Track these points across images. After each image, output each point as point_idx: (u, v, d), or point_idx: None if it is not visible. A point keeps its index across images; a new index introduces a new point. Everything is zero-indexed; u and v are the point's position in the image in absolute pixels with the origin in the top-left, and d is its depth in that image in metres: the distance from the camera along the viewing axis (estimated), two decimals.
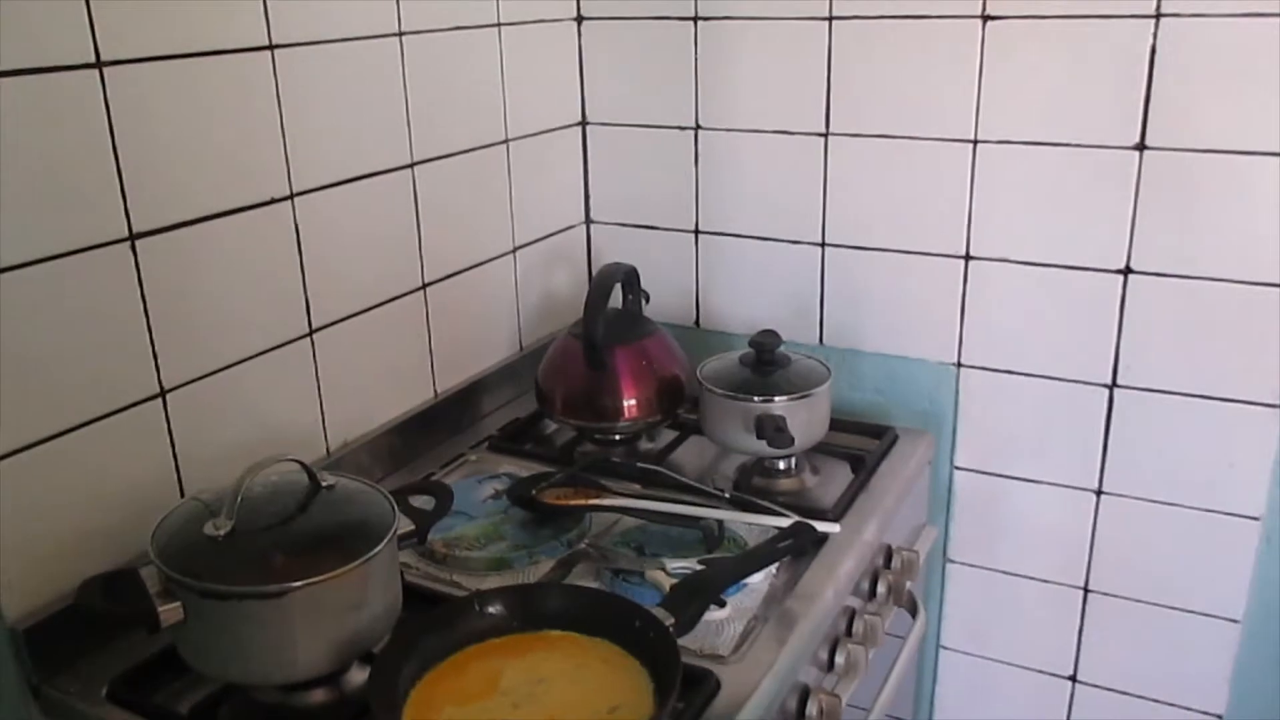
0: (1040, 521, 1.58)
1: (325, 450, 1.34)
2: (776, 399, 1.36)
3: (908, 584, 1.39)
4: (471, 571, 1.21)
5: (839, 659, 1.22)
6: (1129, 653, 1.58)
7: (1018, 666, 1.68)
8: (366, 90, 1.32)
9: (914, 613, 1.41)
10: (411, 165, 1.40)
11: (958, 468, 1.61)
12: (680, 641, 0.98)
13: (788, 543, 1.14)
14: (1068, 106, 1.39)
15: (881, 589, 1.35)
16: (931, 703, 1.76)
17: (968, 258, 1.50)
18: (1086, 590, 1.58)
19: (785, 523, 1.22)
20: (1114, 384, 1.47)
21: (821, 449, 1.44)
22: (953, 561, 1.67)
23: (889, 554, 1.40)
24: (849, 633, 1.27)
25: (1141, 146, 1.36)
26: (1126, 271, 1.41)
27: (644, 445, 1.54)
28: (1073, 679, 1.64)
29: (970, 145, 1.46)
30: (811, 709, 1.13)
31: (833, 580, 1.19)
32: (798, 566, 1.21)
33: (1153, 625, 1.55)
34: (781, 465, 1.43)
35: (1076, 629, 1.61)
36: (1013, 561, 1.63)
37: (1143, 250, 1.40)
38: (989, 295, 1.51)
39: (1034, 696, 1.67)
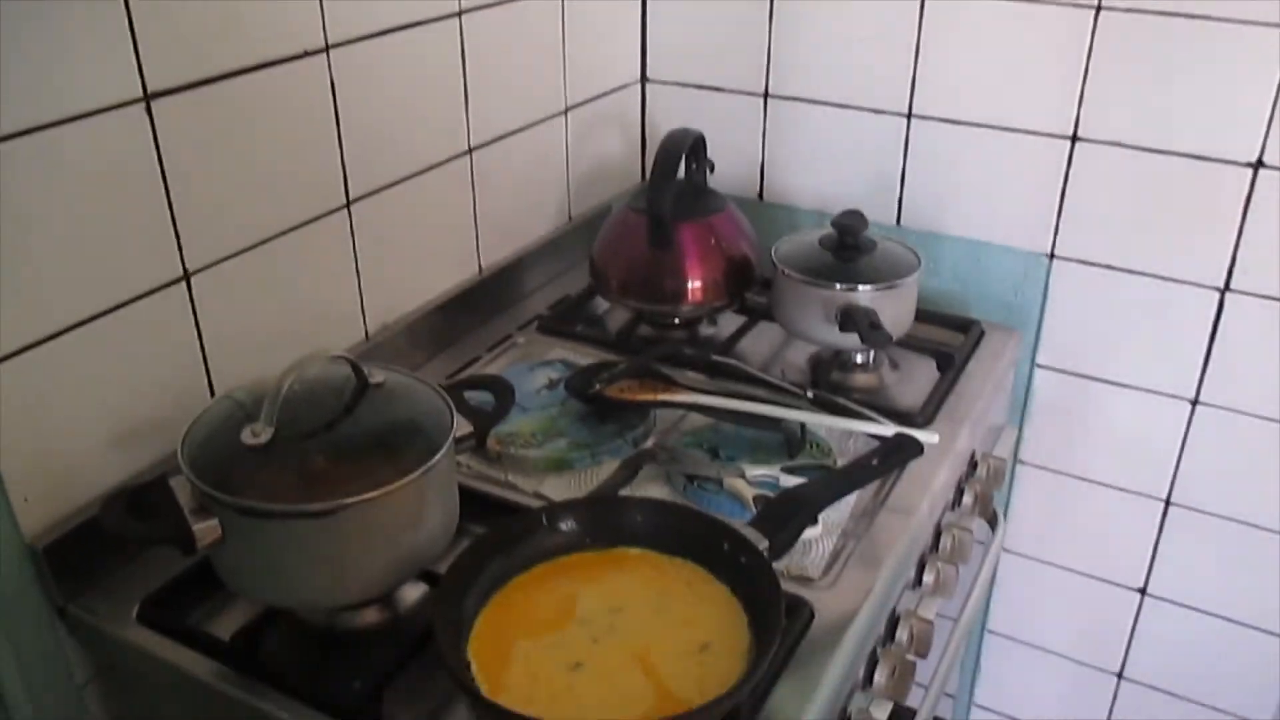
0: (1125, 428, 1.47)
1: (364, 334, 1.22)
2: (861, 288, 1.23)
3: (993, 494, 1.28)
4: (529, 472, 1.11)
5: (927, 577, 1.13)
6: (1206, 570, 1.49)
7: (1084, 575, 1.59)
8: None
9: (994, 524, 1.32)
10: (459, 14, 1.23)
11: (1039, 366, 1.49)
12: None
13: (891, 458, 1.02)
14: None
15: (968, 499, 1.25)
16: (988, 606, 1.68)
17: (1075, 139, 1.34)
18: (1168, 503, 1.48)
19: (881, 431, 1.11)
20: (1227, 288, 1.33)
21: (902, 342, 1.32)
22: (1024, 464, 1.57)
23: (973, 460, 1.29)
24: (935, 548, 1.17)
25: None
26: (1258, 165, 1.25)
27: (705, 330, 1.42)
28: (1142, 591, 1.56)
29: (1092, 11, 1.28)
30: (902, 634, 1.04)
31: (928, 494, 1.09)
32: (888, 476, 1.10)
33: (1237, 544, 1.45)
34: (859, 359, 1.31)
35: (1153, 542, 1.52)
36: (1089, 468, 1.52)
37: None
38: (1095, 182, 1.35)
39: (1098, 605, 1.59)
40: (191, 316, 0.99)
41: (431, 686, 0.85)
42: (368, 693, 0.83)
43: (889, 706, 1.00)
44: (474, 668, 0.80)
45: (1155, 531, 1.51)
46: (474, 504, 1.01)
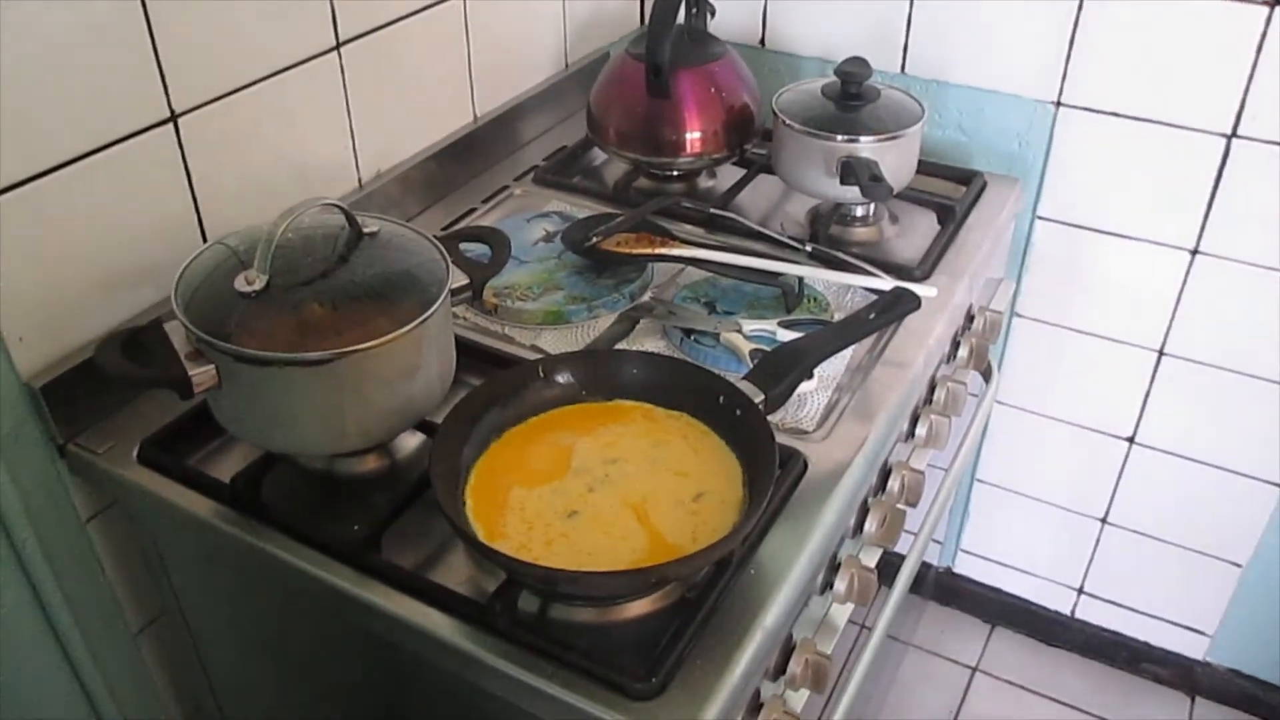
0: (1122, 279, 1.45)
1: (357, 183, 1.19)
2: (863, 139, 1.20)
3: (989, 346, 1.27)
4: (525, 324, 1.10)
5: (920, 430, 1.13)
6: (1194, 419, 1.50)
7: (1074, 425, 1.60)
8: None
9: (988, 376, 1.31)
10: None
11: (1040, 218, 1.47)
12: None
13: (888, 312, 1.01)
14: None
15: (963, 352, 1.24)
16: (978, 456, 1.70)
17: None
18: (1161, 353, 1.48)
19: (879, 285, 1.10)
20: (1234, 134, 1.29)
21: (902, 195, 1.29)
22: (1020, 316, 1.56)
23: (970, 314, 1.28)
24: (929, 400, 1.17)
25: None
26: (1274, 3, 1.20)
27: (704, 183, 1.39)
28: (1131, 440, 1.57)
29: None
30: (894, 484, 1.05)
31: (924, 347, 1.08)
32: (885, 330, 1.09)
33: (1227, 392, 1.45)
34: (859, 212, 1.29)
35: (1143, 392, 1.52)
36: (1084, 320, 1.52)
37: None
38: (1107, 24, 1.29)
39: (1086, 454, 1.61)
40: (180, 159, 0.96)
41: (429, 532, 0.86)
42: (367, 536, 0.84)
43: (878, 553, 1.02)
44: (470, 515, 0.81)
45: (1147, 382, 1.51)
46: (470, 356, 1.00)
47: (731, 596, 0.80)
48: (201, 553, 0.94)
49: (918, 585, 1.64)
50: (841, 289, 1.16)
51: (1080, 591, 1.75)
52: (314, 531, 0.85)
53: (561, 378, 0.91)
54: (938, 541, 1.78)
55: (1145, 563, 1.65)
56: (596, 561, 0.77)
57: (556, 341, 1.07)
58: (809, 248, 1.18)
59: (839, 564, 0.95)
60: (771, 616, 0.79)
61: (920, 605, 1.81)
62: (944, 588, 1.86)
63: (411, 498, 0.87)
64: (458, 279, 0.91)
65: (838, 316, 1.10)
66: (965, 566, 1.83)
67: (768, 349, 1.00)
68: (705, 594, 0.79)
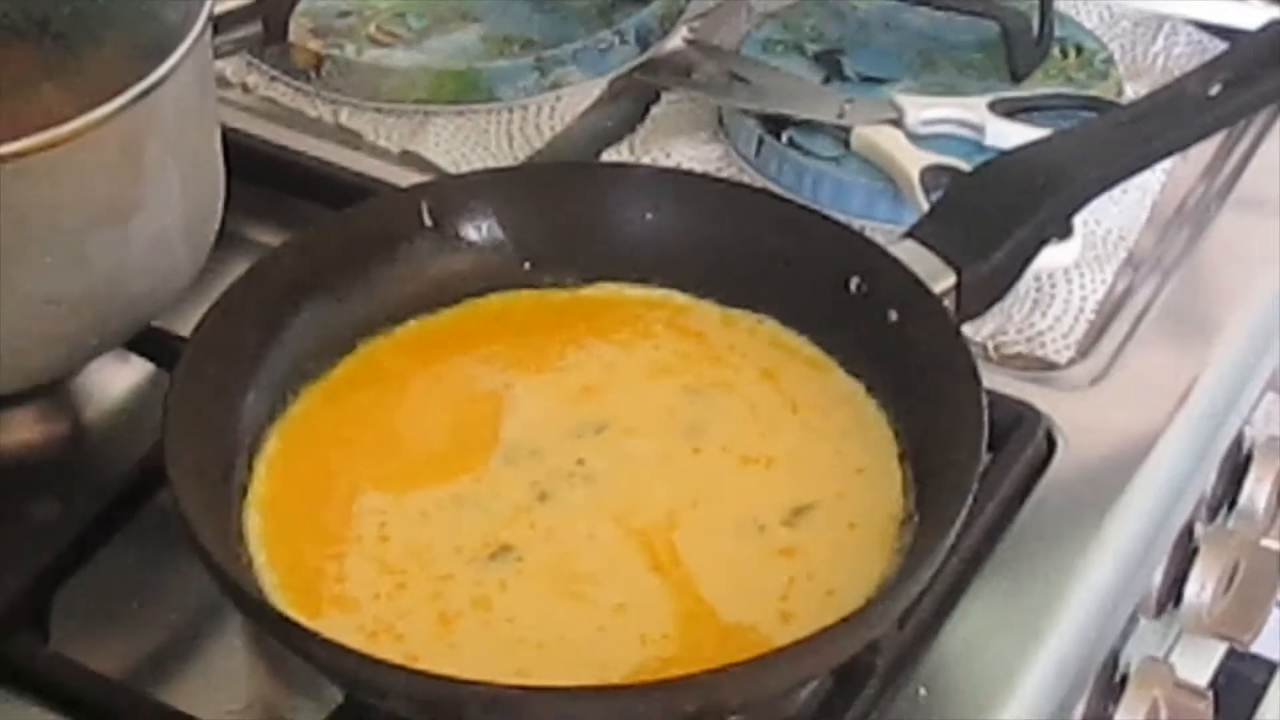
0: None
1: None
2: None
3: None
4: (389, 103, 1.14)
5: None
6: None
7: None
8: None
9: None
10: None
11: None
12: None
13: (1255, 85, 0.96)
14: None
15: None
16: None
17: None
18: None
19: (1231, 17, 1.06)
20: None
21: None
22: None
23: None
24: None
25: None
26: None
27: None
28: None
29: None
30: (1257, 494, 1.02)
31: None
32: (1240, 128, 1.11)
33: None
34: None
35: None
36: None
37: None
38: None
39: None
40: None
41: (164, 591, 0.83)
42: (17, 602, 0.80)
43: (1218, 652, 1.00)
44: (262, 554, 0.78)
45: None
46: (261, 178, 1.03)
47: None
48: None
49: None
50: (1140, 25, 1.20)
51: None
52: None
53: (475, 231, 0.91)
54: None
55: None
56: (554, 664, 0.73)
57: (461, 146, 1.11)
58: None
59: (1124, 676, 0.92)
60: None
61: None
62: None
63: (119, 513, 0.83)
64: None
65: (1130, 93, 1.11)
66: None
67: (965, 168, 0.98)
68: None
